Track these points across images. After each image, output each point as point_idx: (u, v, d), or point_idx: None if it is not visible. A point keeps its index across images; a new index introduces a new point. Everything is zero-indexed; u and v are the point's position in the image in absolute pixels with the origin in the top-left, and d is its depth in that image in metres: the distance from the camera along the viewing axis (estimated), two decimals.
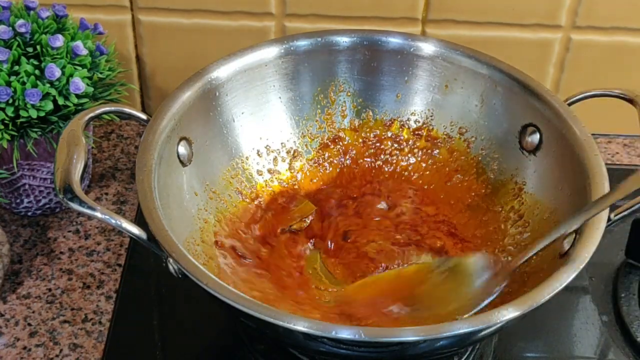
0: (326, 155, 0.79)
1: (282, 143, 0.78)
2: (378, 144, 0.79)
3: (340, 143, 0.79)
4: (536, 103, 0.71)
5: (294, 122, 0.78)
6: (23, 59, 0.72)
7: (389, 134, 0.78)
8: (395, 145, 0.78)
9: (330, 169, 0.79)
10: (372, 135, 0.79)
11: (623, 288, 0.75)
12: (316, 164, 0.78)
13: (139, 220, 0.66)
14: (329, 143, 0.79)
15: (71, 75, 0.72)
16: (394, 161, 0.78)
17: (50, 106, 0.72)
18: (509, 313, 0.55)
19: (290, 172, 0.78)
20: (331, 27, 0.83)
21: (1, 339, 0.70)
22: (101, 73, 0.76)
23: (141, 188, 0.62)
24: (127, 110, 0.68)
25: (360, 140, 0.79)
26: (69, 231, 0.80)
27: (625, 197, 0.58)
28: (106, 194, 0.84)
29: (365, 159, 0.79)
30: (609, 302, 0.74)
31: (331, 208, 0.75)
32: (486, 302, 0.63)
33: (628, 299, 0.74)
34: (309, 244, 0.73)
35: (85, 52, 0.74)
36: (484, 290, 0.63)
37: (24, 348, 0.69)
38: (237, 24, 0.85)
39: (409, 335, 0.55)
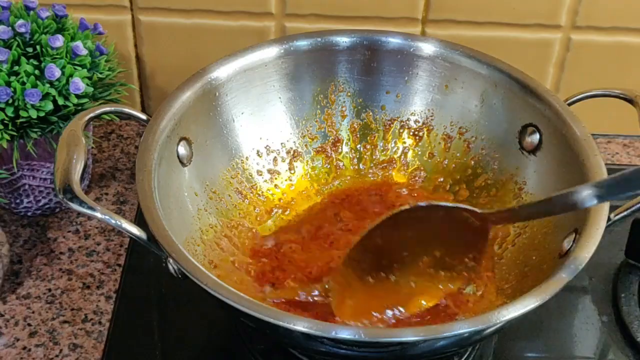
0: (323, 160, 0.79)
1: (282, 143, 0.78)
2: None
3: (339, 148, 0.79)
4: (536, 103, 0.71)
5: (294, 122, 0.78)
6: (23, 59, 0.72)
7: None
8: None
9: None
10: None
11: (623, 288, 0.75)
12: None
13: (139, 220, 0.66)
14: (328, 148, 0.79)
15: (71, 75, 0.72)
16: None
17: (50, 106, 0.72)
18: (509, 313, 0.55)
19: (290, 173, 0.78)
20: (331, 27, 0.83)
21: (1, 339, 0.70)
22: (101, 73, 0.76)
23: (141, 188, 0.62)
24: (127, 110, 0.69)
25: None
26: (69, 231, 0.80)
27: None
28: (106, 194, 0.84)
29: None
30: (609, 302, 0.74)
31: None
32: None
33: (628, 299, 0.74)
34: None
35: (85, 52, 0.74)
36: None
37: (24, 348, 0.69)
38: (237, 24, 0.85)
39: (409, 335, 0.55)
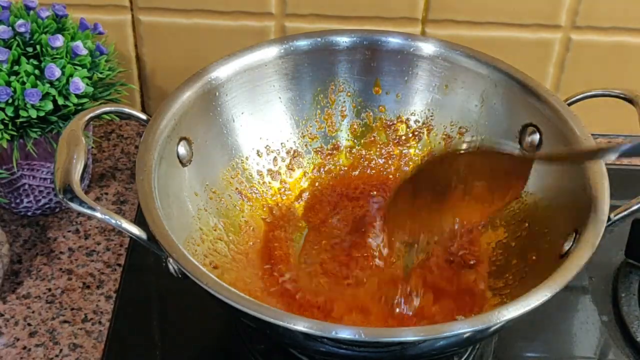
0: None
1: (282, 143, 0.78)
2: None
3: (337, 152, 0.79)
4: (536, 103, 0.71)
5: (294, 122, 0.78)
6: (23, 58, 0.72)
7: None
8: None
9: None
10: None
11: (623, 288, 0.75)
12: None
13: (139, 220, 0.66)
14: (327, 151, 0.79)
15: (71, 75, 0.72)
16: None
17: (50, 106, 0.72)
18: (509, 313, 0.55)
19: (289, 170, 0.78)
20: (331, 27, 0.83)
21: (1, 339, 0.70)
22: (101, 73, 0.76)
23: (141, 188, 0.62)
24: (127, 110, 0.69)
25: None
26: (69, 231, 0.80)
27: None
28: (106, 194, 0.84)
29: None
30: (609, 302, 0.74)
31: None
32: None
33: (628, 299, 0.74)
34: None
35: (85, 52, 0.74)
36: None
37: (24, 348, 0.69)
38: (237, 24, 0.85)
39: (409, 335, 0.55)
